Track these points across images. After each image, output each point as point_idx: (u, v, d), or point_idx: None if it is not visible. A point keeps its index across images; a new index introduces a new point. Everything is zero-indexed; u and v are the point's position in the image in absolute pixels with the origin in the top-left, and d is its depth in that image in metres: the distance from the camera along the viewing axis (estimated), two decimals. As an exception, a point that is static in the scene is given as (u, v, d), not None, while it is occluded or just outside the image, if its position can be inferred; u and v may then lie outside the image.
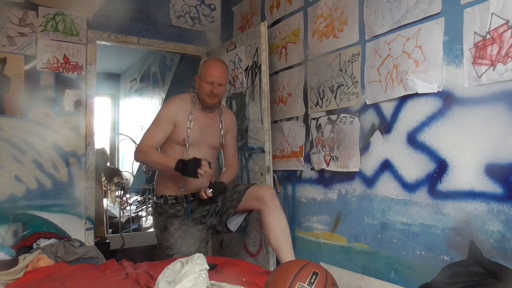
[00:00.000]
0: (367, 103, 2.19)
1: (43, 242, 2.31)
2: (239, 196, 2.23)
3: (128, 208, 4.46)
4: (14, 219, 2.49)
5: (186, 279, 1.34)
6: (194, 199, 2.32)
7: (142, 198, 4.82)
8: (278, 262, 2.41)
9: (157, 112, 2.40)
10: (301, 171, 2.68)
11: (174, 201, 2.31)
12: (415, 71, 1.92)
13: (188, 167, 2.07)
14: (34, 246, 2.29)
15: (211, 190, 2.19)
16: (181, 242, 2.23)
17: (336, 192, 2.40)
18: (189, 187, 2.30)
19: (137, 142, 4.54)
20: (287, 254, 2.09)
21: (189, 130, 2.27)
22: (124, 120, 7.03)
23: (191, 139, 2.28)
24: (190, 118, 2.28)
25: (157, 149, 2.29)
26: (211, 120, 2.39)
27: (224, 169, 2.49)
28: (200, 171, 2.04)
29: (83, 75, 3.02)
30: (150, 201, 4.32)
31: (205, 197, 2.19)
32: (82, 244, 2.46)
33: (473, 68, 1.69)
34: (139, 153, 2.25)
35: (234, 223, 2.32)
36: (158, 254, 2.37)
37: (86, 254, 2.30)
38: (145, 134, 2.30)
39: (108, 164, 4.47)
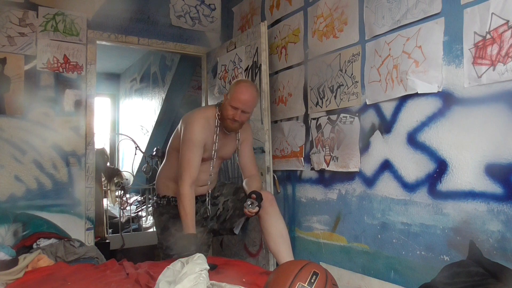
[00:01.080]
0: (367, 103, 2.19)
1: (43, 242, 2.31)
2: (242, 204, 2.21)
3: (128, 208, 4.46)
4: (14, 219, 2.49)
5: (187, 279, 1.34)
6: (196, 202, 2.30)
7: (142, 198, 4.82)
8: (278, 263, 2.41)
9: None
10: (301, 171, 2.68)
11: (176, 202, 2.28)
12: (415, 71, 1.92)
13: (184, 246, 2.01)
14: (34, 246, 2.29)
15: (257, 205, 2.08)
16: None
17: (336, 192, 2.40)
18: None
19: (137, 143, 4.58)
20: (287, 258, 2.09)
21: (214, 153, 2.24)
22: (124, 120, 7.02)
23: (205, 154, 2.26)
24: (215, 140, 2.21)
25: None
26: (227, 138, 2.32)
27: (245, 179, 2.36)
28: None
29: (83, 75, 3.02)
30: (150, 201, 4.32)
31: (253, 214, 2.11)
32: (82, 244, 2.46)
33: (473, 68, 1.69)
34: (181, 190, 2.12)
35: (237, 227, 2.34)
36: (158, 254, 2.37)
37: (86, 254, 2.30)
38: (183, 164, 2.15)
39: (108, 164, 4.47)
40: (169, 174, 2.34)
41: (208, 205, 2.30)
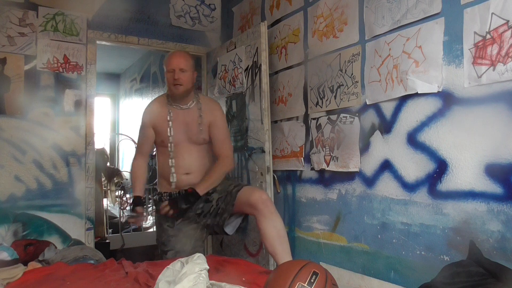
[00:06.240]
0: (367, 103, 2.19)
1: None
2: (232, 199, 2.16)
3: (128, 208, 4.46)
4: (14, 219, 2.49)
5: (186, 279, 1.34)
6: (187, 199, 2.25)
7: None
8: (277, 264, 2.40)
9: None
10: (301, 171, 2.68)
11: (169, 197, 2.29)
12: (415, 71, 1.92)
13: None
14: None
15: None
16: (174, 239, 2.23)
17: (336, 192, 2.40)
18: (180, 184, 2.27)
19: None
20: (285, 259, 2.03)
21: (170, 130, 2.26)
22: (124, 120, 7.02)
23: (172, 140, 2.26)
24: (168, 118, 2.27)
25: (148, 155, 2.48)
26: (189, 115, 2.31)
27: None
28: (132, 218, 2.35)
29: (83, 75, 3.02)
30: (150, 200, 4.32)
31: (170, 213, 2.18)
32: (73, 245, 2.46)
33: (473, 68, 1.69)
34: (132, 162, 2.43)
35: (231, 226, 2.27)
36: (158, 254, 2.37)
37: (81, 253, 2.28)
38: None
39: (108, 164, 4.47)
40: (159, 170, 2.38)
41: (202, 202, 2.27)
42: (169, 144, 2.27)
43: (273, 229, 2.06)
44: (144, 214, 2.32)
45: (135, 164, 2.39)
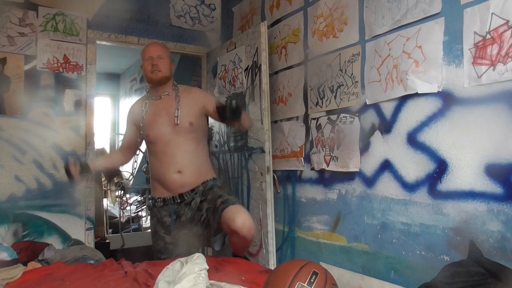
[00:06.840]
0: (367, 103, 2.19)
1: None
2: (218, 217, 2.03)
3: (128, 208, 4.46)
4: (14, 219, 2.50)
5: (186, 279, 1.34)
6: (182, 201, 2.19)
7: (142, 198, 4.82)
8: (278, 262, 2.40)
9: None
10: (301, 171, 2.68)
11: (162, 203, 2.22)
12: (415, 71, 1.92)
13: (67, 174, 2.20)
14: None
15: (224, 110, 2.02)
16: (171, 247, 2.17)
17: (336, 192, 2.40)
18: (172, 186, 2.19)
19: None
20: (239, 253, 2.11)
21: (141, 124, 2.23)
22: (124, 120, 7.01)
23: (151, 131, 2.20)
24: (143, 115, 2.24)
25: (128, 152, 2.43)
26: (170, 102, 2.22)
27: None
28: (72, 172, 2.15)
29: (83, 75, 3.02)
30: (150, 201, 4.31)
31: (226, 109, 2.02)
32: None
33: (473, 68, 1.68)
34: None
35: (217, 243, 2.18)
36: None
37: (81, 253, 2.28)
38: None
39: (108, 164, 4.45)
40: (151, 171, 2.30)
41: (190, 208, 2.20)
42: (142, 127, 2.24)
43: (242, 246, 2.07)
44: (75, 179, 2.20)
45: (112, 153, 2.39)
